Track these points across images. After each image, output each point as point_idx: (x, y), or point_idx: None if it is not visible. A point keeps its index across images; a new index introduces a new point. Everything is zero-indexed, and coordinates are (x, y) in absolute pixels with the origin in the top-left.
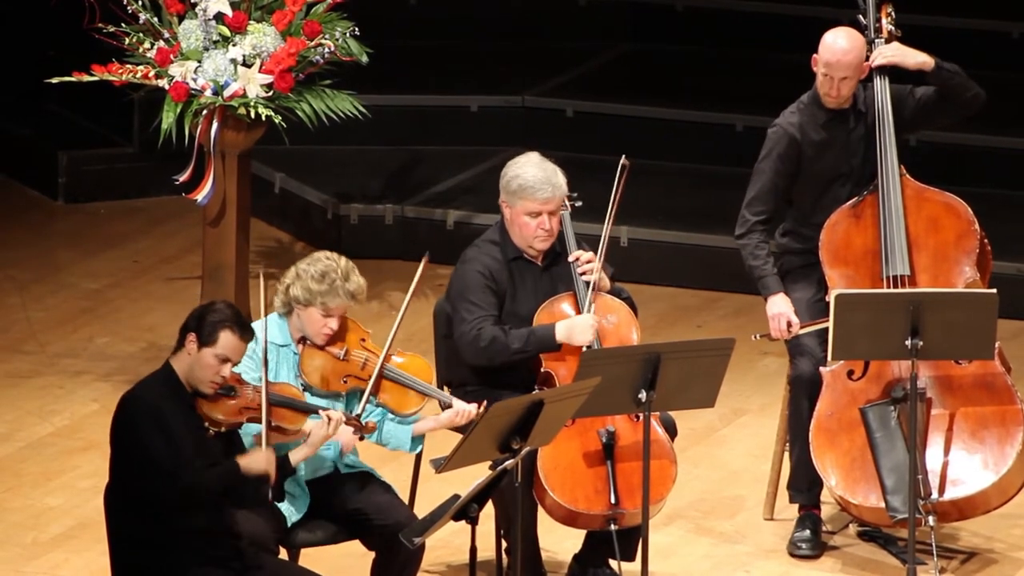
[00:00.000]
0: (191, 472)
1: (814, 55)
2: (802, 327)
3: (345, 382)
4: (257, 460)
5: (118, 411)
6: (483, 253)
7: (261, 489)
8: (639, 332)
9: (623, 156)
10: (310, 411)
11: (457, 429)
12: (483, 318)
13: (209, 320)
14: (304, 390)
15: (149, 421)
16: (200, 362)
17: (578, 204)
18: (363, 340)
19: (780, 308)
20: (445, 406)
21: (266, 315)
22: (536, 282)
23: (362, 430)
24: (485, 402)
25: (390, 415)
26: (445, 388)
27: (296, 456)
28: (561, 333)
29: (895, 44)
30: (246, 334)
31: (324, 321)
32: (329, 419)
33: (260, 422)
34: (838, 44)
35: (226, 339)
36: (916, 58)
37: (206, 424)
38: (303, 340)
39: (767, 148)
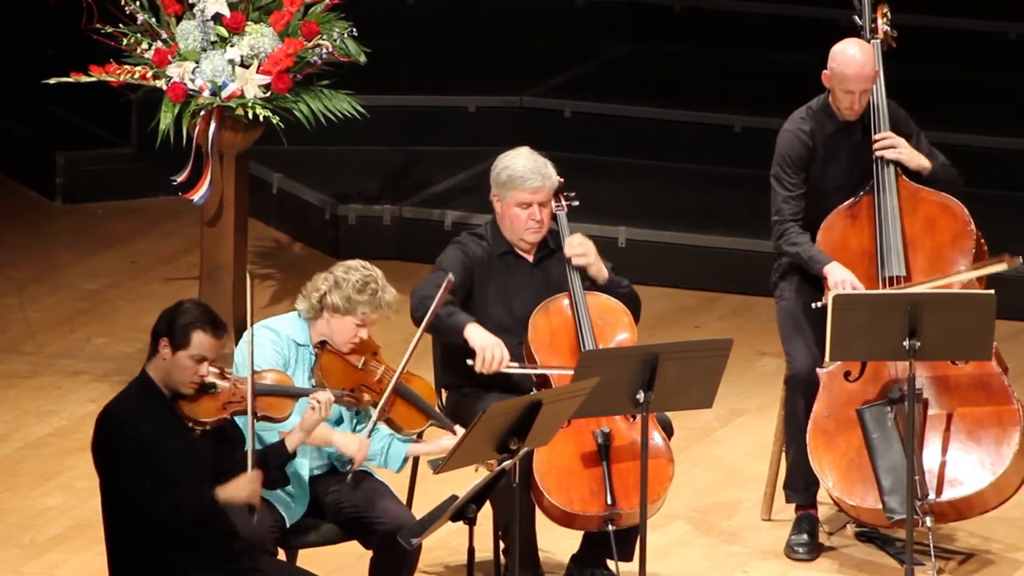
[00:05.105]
0: (175, 495)
1: (824, 71)
2: None
3: (359, 391)
4: (239, 488)
5: (97, 432)
6: (473, 241)
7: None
8: (633, 332)
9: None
10: (297, 396)
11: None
12: (440, 273)
13: (180, 323)
14: None
15: (127, 444)
16: (176, 365)
17: (575, 204)
18: (375, 353)
19: (842, 275)
20: (446, 431)
21: (252, 318)
22: (527, 278)
23: (358, 404)
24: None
25: (395, 435)
26: (443, 391)
27: (292, 442)
28: (470, 334)
29: (905, 144)
30: (218, 331)
31: (356, 331)
32: (319, 402)
33: (244, 414)
34: (853, 57)
35: (199, 340)
36: (919, 162)
37: (190, 425)
38: (321, 344)
39: (782, 153)
